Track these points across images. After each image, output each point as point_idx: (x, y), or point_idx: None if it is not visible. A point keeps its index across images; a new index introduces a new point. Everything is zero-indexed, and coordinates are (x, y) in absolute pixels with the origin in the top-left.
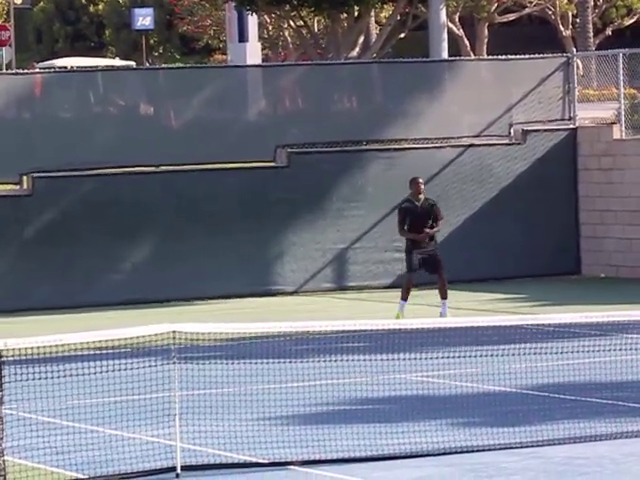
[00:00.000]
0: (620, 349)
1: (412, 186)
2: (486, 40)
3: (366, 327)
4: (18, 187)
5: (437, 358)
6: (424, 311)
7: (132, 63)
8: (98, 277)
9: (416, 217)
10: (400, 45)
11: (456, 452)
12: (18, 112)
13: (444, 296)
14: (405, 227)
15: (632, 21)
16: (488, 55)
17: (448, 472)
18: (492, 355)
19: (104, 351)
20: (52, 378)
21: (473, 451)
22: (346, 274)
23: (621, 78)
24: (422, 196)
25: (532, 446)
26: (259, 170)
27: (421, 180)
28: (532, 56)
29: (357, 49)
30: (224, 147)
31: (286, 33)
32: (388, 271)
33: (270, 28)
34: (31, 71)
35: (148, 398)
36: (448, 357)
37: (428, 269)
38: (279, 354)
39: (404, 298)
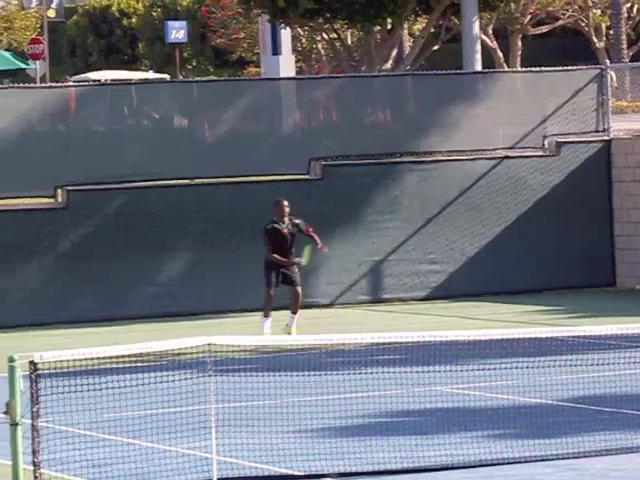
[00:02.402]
0: None
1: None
2: (520, 52)
3: (401, 339)
4: (53, 200)
5: (473, 370)
6: (455, 323)
7: (166, 76)
8: (133, 290)
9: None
10: (433, 57)
11: (492, 464)
12: (52, 125)
13: (294, 311)
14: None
15: None
16: (522, 67)
17: None
18: (528, 367)
19: (140, 364)
20: (88, 391)
21: (509, 463)
22: (381, 286)
23: None
24: (287, 219)
25: (568, 458)
26: (293, 183)
27: (286, 203)
28: (566, 68)
29: (390, 61)
30: (258, 160)
31: (319, 46)
32: (423, 283)
33: (303, 41)
34: (65, 84)
35: (184, 411)
36: (484, 369)
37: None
38: (314, 366)
39: (266, 315)
